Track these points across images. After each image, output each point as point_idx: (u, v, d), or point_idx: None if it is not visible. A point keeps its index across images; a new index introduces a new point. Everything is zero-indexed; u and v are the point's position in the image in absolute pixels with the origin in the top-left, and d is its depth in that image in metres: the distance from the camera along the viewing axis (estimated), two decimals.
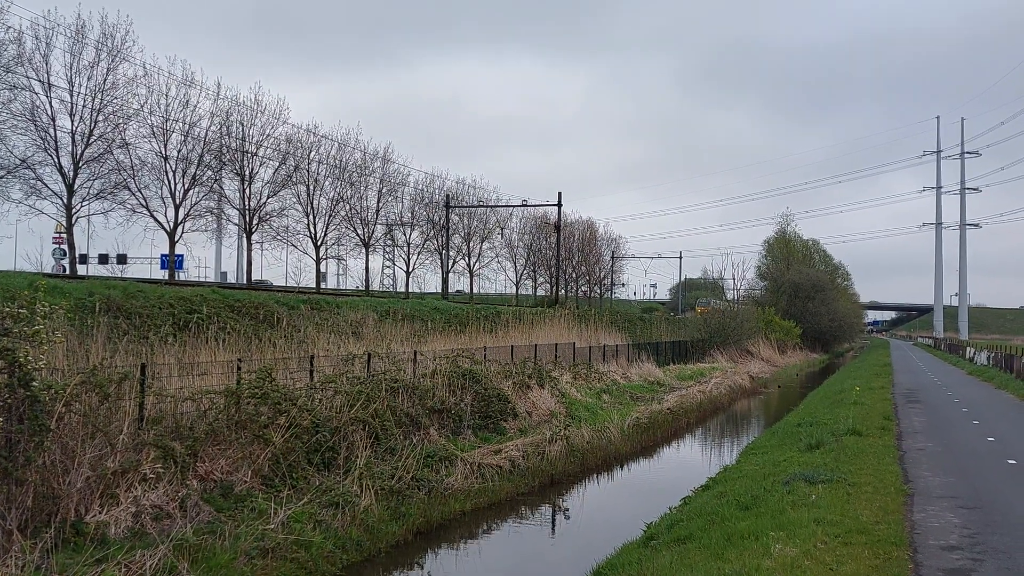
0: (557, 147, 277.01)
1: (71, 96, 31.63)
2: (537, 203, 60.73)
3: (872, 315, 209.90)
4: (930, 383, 39.77)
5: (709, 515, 12.13)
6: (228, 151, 39.05)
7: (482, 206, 60.44)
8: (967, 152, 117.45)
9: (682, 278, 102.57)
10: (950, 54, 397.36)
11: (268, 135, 41.15)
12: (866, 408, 25.19)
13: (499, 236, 64.89)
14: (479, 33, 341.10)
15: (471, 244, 60.08)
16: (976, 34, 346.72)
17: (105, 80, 32.44)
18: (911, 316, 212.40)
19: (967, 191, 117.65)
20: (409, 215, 53.43)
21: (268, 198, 40.38)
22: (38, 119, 30.95)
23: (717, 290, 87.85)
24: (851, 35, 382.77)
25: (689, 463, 23.47)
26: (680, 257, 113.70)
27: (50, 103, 31.35)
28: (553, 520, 16.71)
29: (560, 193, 50.25)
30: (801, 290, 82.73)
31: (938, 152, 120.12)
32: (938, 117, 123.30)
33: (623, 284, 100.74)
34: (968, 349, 65.68)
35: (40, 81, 30.96)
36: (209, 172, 37.79)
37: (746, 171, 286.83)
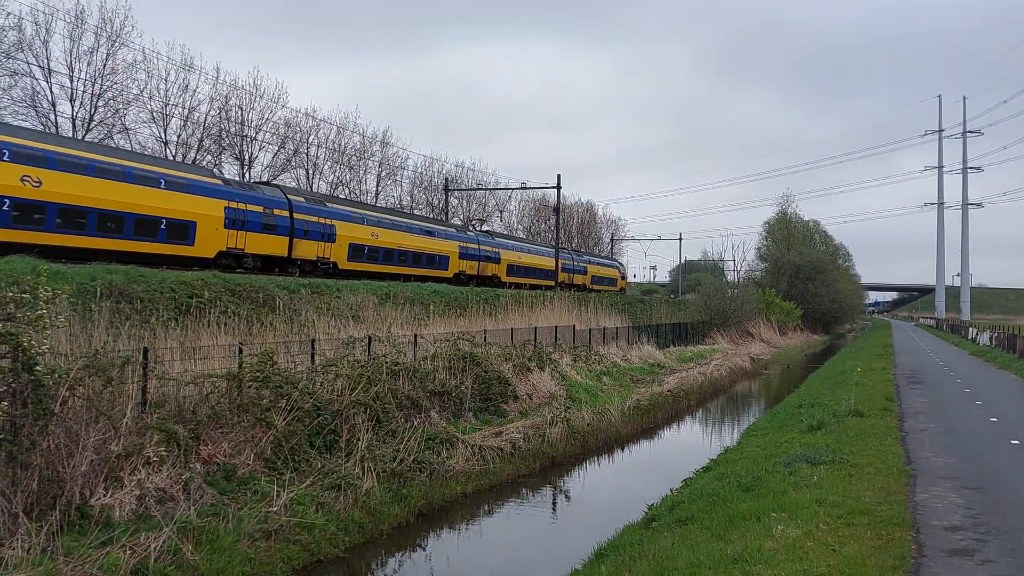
0: (570, 132, 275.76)
1: (71, 82, 31.58)
2: (536, 185, 60.55)
3: (873, 296, 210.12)
4: (932, 364, 39.80)
5: (710, 496, 12.17)
6: (227, 135, 38.96)
7: (481, 189, 60.39)
8: (969, 131, 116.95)
9: (682, 260, 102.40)
10: (966, 32, 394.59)
11: (267, 119, 41.10)
12: (868, 389, 25.22)
13: (498, 219, 64.85)
14: (499, 19, 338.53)
15: (470, 227, 60.14)
16: (990, 11, 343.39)
17: (105, 65, 32.37)
18: (913, 297, 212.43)
19: (969, 170, 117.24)
20: (408, 198, 53.40)
21: None
22: (39, 105, 30.94)
23: (717, 272, 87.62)
24: (870, 16, 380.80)
25: (690, 445, 23.53)
26: (680, 239, 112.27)
27: (50, 89, 31.32)
28: (554, 502, 16.77)
29: (559, 175, 50.19)
30: (802, 271, 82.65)
31: (940, 132, 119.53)
32: (939, 96, 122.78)
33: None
34: (970, 329, 65.72)
35: (40, 67, 30.93)
36: (209, 157, 37.74)
37: (752, 153, 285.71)
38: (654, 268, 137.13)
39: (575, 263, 57.08)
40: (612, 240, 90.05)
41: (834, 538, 9.13)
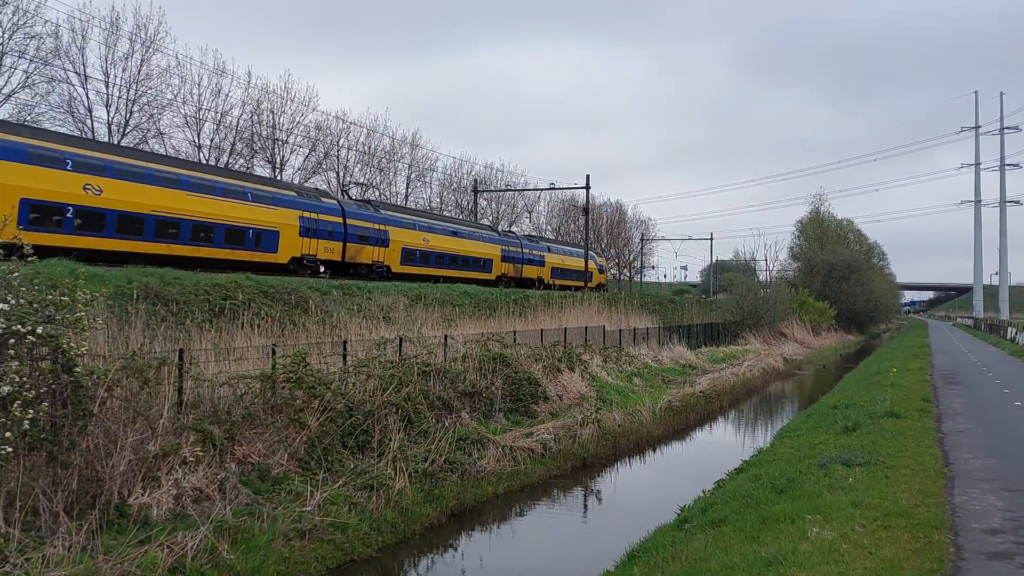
0: (600, 132, 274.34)
1: (107, 87, 32.17)
2: (565, 186, 60.33)
3: (909, 296, 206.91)
4: (970, 364, 39.07)
5: (744, 498, 12.06)
6: (259, 139, 39.41)
7: (510, 190, 60.42)
8: (1007, 127, 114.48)
9: (713, 260, 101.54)
10: (995, 27, 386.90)
11: (298, 122, 41.49)
12: (904, 390, 24.83)
13: (527, 220, 64.86)
14: (527, 19, 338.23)
15: (499, 228, 60.29)
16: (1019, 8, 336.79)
17: (139, 71, 32.93)
18: (950, 296, 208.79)
19: (1007, 167, 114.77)
20: (438, 200, 53.56)
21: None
22: (75, 110, 31.57)
23: (749, 271, 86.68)
24: (895, 16, 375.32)
25: (722, 446, 23.33)
26: (711, 238, 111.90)
27: (87, 94, 31.95)
28: (586, 503, 16.74)
29: (588, 176, 49.57)
30: (835, 271, 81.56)
31: (976, 128, 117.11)
32: (976, 92, 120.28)
33: (653, 266, 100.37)
34: (1009, 329, 64.39)
35: (77, 73, 31.55)
36: (241, 160, 38.20)
37: (783, 152, 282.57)
38: (685, 268, 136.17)
39: (525, 251, 45.30)
40: (642, 240, 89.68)
41: (870, 540, 9.01)
